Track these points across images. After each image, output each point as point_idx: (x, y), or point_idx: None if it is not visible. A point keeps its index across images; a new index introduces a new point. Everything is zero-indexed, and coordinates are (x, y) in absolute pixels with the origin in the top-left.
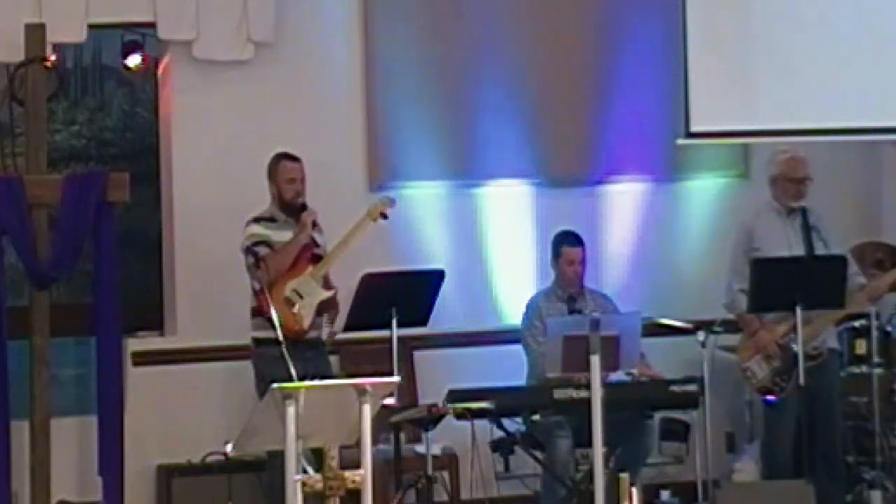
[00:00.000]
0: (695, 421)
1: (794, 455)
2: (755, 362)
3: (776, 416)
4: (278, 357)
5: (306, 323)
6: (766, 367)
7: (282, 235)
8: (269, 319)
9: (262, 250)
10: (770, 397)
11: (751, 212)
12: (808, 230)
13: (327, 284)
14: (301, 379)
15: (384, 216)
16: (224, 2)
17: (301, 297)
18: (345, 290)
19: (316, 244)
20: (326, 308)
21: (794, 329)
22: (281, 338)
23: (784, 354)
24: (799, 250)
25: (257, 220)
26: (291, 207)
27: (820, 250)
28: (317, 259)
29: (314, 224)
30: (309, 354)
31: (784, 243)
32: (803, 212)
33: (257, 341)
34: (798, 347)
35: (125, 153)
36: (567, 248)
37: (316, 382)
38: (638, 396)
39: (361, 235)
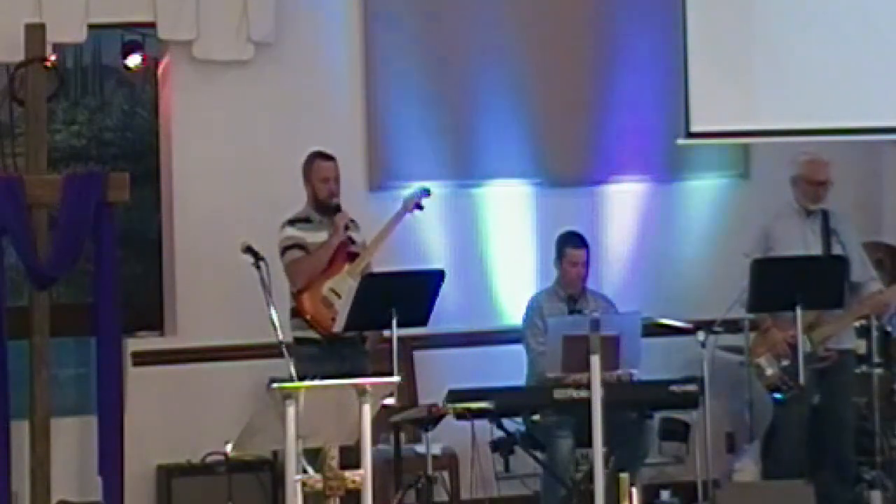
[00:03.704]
0: (695, 421)
1: (801, 454)
2: (766, 359)
3: (784, 413)
4: (316, 356)
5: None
6: (776, 364)
7: (316, 236)
8: (308, 320)
9: (296, 253)
10: (778, 395)
11: (771, 212)
12: (827, 233)
13: None
14: (340, 377)
15: (419, 207)
16: (224, 2)
17: (339, 296)
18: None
19: (352, 241)
20: None
21: (806, 328)
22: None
23: (794, 353)
24: (816, 252)
25: (292, 221)
26: (326, 207)
27: (838, 253)
28: (353, 257)
29: (347, 226)
30: (346, 352)
31: (801, 244)
32: (824, 214)
33: (297, 340)
34: (799, 347)
35: (125, 153)
36: (571, 249)
37: (316, 382)
38: (638, 396)
39: (396, 228)
